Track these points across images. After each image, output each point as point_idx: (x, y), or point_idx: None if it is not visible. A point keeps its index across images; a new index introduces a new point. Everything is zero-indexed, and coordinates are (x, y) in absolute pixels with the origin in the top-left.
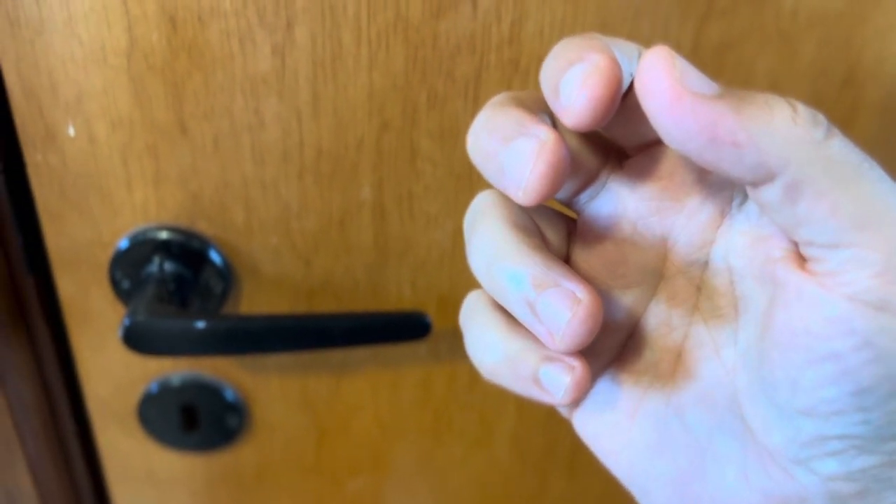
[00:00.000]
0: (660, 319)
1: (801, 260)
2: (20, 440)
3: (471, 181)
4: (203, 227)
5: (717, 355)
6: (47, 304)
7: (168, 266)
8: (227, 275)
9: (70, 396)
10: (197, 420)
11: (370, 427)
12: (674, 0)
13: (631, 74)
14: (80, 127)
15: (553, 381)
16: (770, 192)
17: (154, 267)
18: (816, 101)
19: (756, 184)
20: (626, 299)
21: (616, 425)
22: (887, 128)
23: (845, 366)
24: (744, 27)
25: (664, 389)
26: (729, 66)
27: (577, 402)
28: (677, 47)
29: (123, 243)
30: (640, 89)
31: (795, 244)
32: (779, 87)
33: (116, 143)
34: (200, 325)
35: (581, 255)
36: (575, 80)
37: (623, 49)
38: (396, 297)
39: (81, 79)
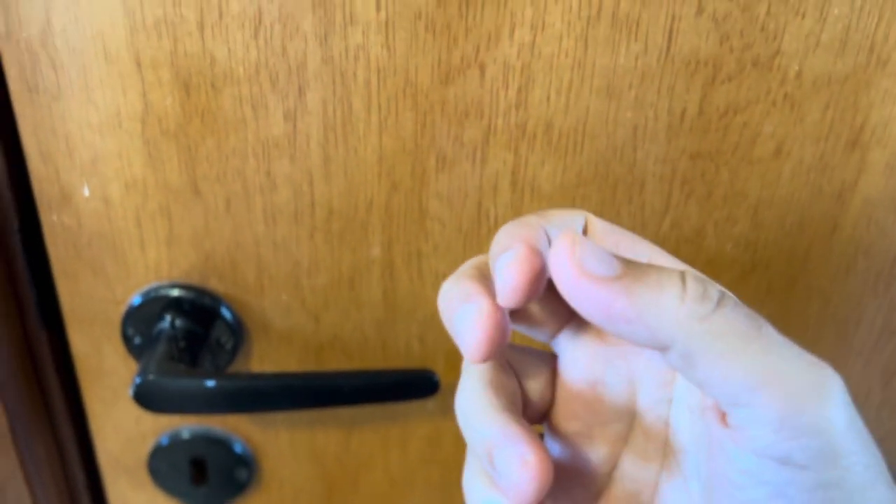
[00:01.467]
0: (631, 474)
1: (722, 413)
2: (31, 493)
3: (479, 239)
4: (215, 284)
5: (687, 489)
6: (60, 358)
7: (179, 323)
8: (237, 331)
9: (81, 449)
10: (206, 473)
11: (379, 481)
12: (680, 65)
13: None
14: (95, 188)
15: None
16: (670, 359)
17: (166, 323)
18: (822, 162)
19: (658, 350)
20: (603, 447)
21: None
22: (892, 187)
23: None
24: (750, 91)
25: None
26: (735, 129)
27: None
28: (682, 113)
29: (136, 300)
30: (551, 272)
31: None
32: (785, 148)
33: (130, 204)
34: (210, 384)
35: (563, 395)
36: (501, 267)
37: (564, 222)
38: (405, 352)
39: (97, 142)
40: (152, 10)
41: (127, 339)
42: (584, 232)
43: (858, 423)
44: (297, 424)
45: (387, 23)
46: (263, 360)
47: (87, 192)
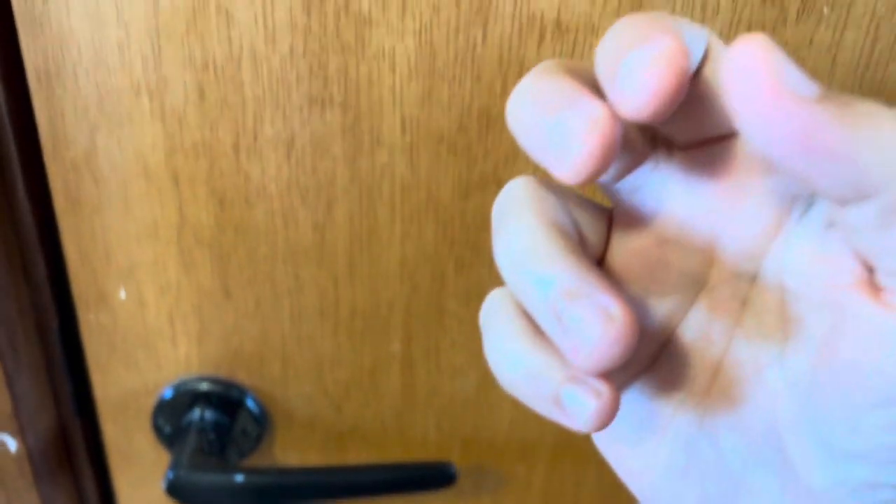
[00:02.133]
0: (698, 331)
1: (875, 289)
2: None
3: None
4: (241, 377)
5: (758, 378)
6: (92, 445)
7: (208, 415)
8: (262, 420)
9: None
10: None
11: None
12: None
13: (697, 61)
14: (131, 291)
15: (577, 406)
16: (860, 213)
17: (195, 415)
18: None
19: (846, 202)
20: (664, 306)
21: (642, 443)
22: None
23: None
24: None
25: (697, 409)
26: None
27: (600, 429)
28: None
29: (167, 393)
30: (729, 81)
31: (870, 270)
32: None
33: (164, 305)
34: (239, 479)
35: (618, 252)
36: (639, 65)
37: (691, 30)
38: (422, 439)
39: (134, 250)
40: (191, 133)
41: (157, 429)
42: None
43: None
44: None
45: (411, 145)
46: (287, 447)
47: (123, 295)
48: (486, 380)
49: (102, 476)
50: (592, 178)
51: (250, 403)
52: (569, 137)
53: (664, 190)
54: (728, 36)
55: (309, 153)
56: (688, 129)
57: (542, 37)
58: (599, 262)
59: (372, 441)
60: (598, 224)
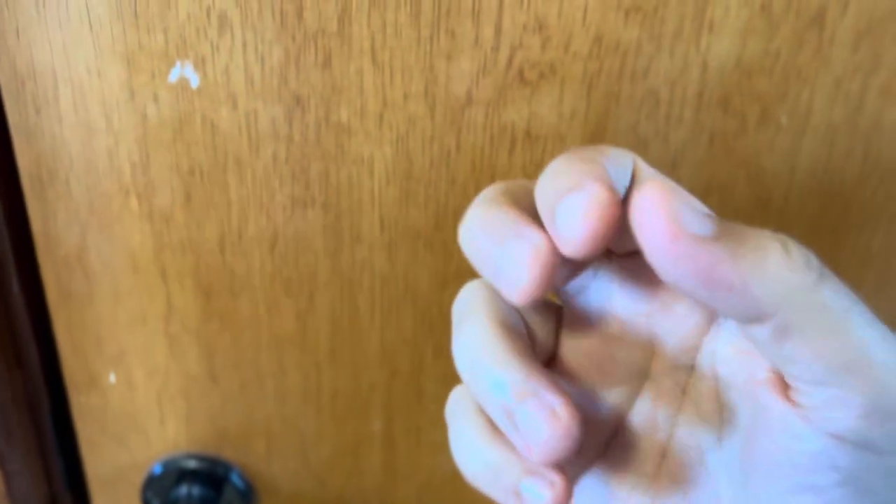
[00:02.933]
0: (645, 419)
1: (785, 386)
2: None
3: None
4: (228, 454)
5: (701, 461)
6: None
7: (195, 490)
8: (248, 495)
9: None
10: None
11: None
12: None
13: (624, 187)
14: (121, 375)
15: (533, 496)
16: (759, 331)
17: (183, 490)
18: None
19: (746, 323)
20: (612, 396)
21: None
22: None
23: (827, 499)
24: None
25: (649, 491)
26: None
27: None
28: None
29: (156, 469)
30: (635, 224)
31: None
32: None
33: (153, 388)
34: None
35: (568, 348)
36: (573, 210)
37: (618, 160)
38: None
39: (123, 338)
40: (178, 232)
41: (146, 503)
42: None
43: None
44: None
45: (390, 242)
46: None
47: (113, 379)
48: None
49: None
50: (537, 299)
51: (236, 479)
52: (514, 265)
53: (605, 292)
54: (692, 144)
55: (292, 249)
56: (621, 243)
57: (513, 145)
58: (551, 357)
59: None
60: (548, 323)
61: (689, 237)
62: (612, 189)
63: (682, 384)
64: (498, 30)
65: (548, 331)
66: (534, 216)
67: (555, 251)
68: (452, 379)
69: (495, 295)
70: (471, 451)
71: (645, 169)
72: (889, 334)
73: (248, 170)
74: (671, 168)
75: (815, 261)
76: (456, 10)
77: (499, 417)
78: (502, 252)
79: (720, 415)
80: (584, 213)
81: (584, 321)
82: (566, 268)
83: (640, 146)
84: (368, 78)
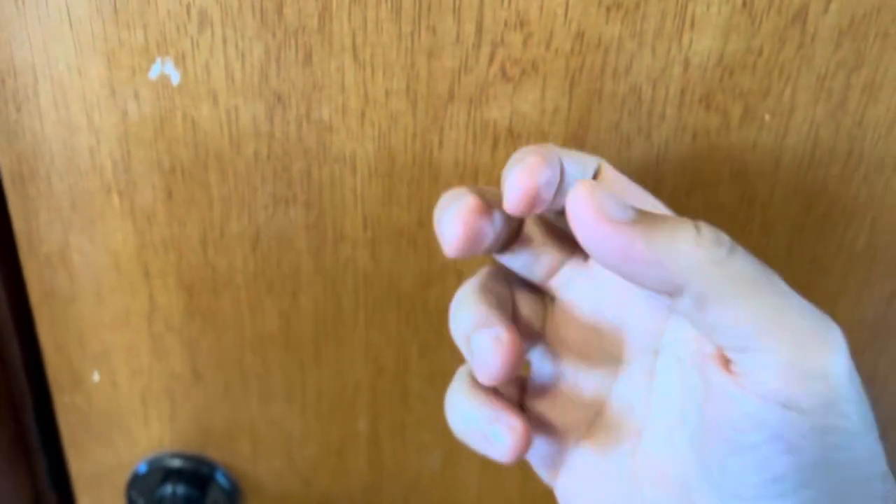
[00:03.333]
0: (622, 400)
1: (726, 360)
2: None
3: None
4: (212, 453)
5: (670, 439)
6: None
7: (180, 489)
8: (233, 495)
9: None
10: None
11: None
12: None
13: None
14: (105, 375)
15: (497, 439)
16: (682, 303)
17: (167, 490)
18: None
19: (669, 295)
20: (593, 380)
21: (588, 495)
22: None
23: (762, 455)
24: None
25: (627, 465)
26: None
27: (517, 458)
28: None
29: (141, 468)
30: (568, 215)
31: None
32: None
33: (136, 387)
34: None
35: (553, 333)
36: (512, 171)
37: (579, 160)
38: None
39: (107, 337)
40: (160, 230)
41: (131, 502)
42: (595, 177)
43: (856, 374)
44: None
45: (373, 240)
46: None
47: (96, 378)
48: (453, 456)
49: None
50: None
51: (221, 479)
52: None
53: (582, 285)
54: (675, 141)
55: (274, 247)
56: None
57: (495, 143)
58: (538, 337)
59: None
60: (537, 307)
61: (608, 222)
62: (547, 160)
63: (650, 368)
64: (479, 26)
65: (535, 313)
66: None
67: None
68: (438, 377)
69: (492, 272)
70: (455, 405)
71: (608, 171)
72: (805, 303)
73: (230, 167)
74: (655, 165)
75: (725, 238)
76: (437, 6)
77: (464, 350)
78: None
79: (683, 394)
80: (520, 174)
81: (566, 310)
82: (549, 262)
83: (622, 143)
84: (349, 75)
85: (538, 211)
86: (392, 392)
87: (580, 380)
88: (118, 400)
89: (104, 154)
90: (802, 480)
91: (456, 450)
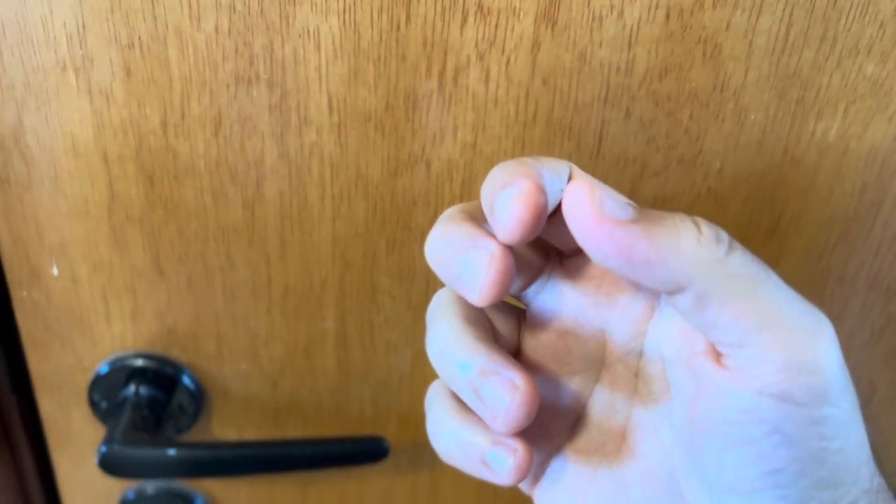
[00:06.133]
0: (604, 403)
1: (718, 354)
2: None
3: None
4: (177, 354)
5: (656, 435)
6: (29, 422)
7: (143, 390)
8: (199, 396)
9: None
10: None
11: None
12: (611, 163)
13: (561, 190)
14: (64, 268)
15: (498, 463)
16: (681, 301)
17: (130, 391)
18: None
19: (669, 294)
20: (573, 385)
21: (571, 501)
22: (809, 269)
23: (759, 449)
24: (676, 185)
25: (611, 468)
26: None
27: (519, 480)
28: None
29: (102, 369)
30: (566, 215)
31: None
32: None
33: (97, 282)
34: (171, 453)
35: (530, 344)
36: (505, 202)
37: (554, 168)
38: (358, 415)
39: (65, 228)
40: (118, 111)
41: (94, 405)
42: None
43: (845, 367)
44: (255, 482)
45: (339, 124)
46: (224, 423)
47: (55, 272)
48: (421, 356)
49: (41, 454)
50: (497, 299)
51: (186, 380)
52: (474, 271)
53: (559, 292)
54: (647, 19)
55: (237, 131)
56: (565, 241)
57: (465, 18)
58: (515, 353)
59: (309, 417)
60: (510, 321)
61: (611, 221)
62: (538, 183)
63: (634, 369)
64: None
65: (511, 329)
66: (489, 230)
67: (508, 255)
68: (406, 274)
69: (462, 299)
70: (444, 431)
71: (580, 174)
72: (798, 297)
73: (190, 43)
74: (627, 47)
75: (724, 236)
76: None
77: (467, 396)
78: (463, 260)
79: (669, 392)
80: (513, 202)
81: (542, 319)
82: (524, 273)
83: (595, 22)
84: None
85: (533, 237)
86: (360, 289)
87: (560, 387)
88: (78, 295)
89: (58, 26)
90: (799, 471)
91: (425, 351)
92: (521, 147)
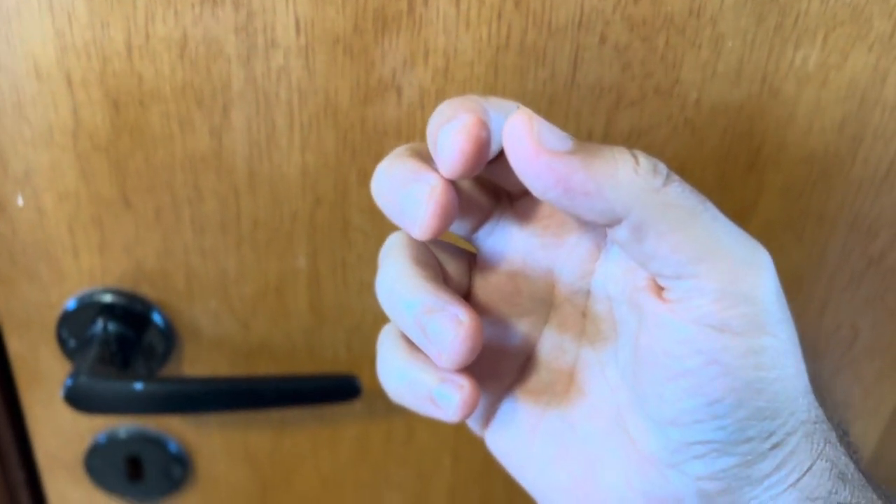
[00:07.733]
0: (553, 344)
1: (659, 289)
2: None
3: None
4: (146, 290)
5: (602, 374)
6: None
7: (112, 327)
8: (169, 336)
9: (20, 448)
10: (142, 471)
11: (311, 481)
12: (586, 92)
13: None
14: (29, 199)
15: (445, 399)
16: (620, 233)
17: (99, 328)
18: (722, 184)
19: (607, 225)
20: (522, 326)
21: (521, 441)
22: (789, 208)
23: (697, 380)
24: (652, 117)
25: (560, 407)
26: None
27: (466, 416)
28: (589, 135)
29: (70, 305)
30: (505, 147)
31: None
32: (686, 170)
33: (63, 214)
34: (138, 387)
35: (480, 286)
36: (447, 135)
37: (500, 107)
38: (332, 358)
39: (30, 156)
40: (81, 32)
41: (62, 342)
42: None
43: (782, 297)
44: (229, 425)
45: (307, 47)
46: (195, 364)
47: (20, 202)
48: None
49: (11, 395)
50: (439, 232)
51: (156, 318)
52: (415, 203)
53: (508, 234)
54: None
55: (202, 54)
56: (515, 183)
57: None
58: (466, 295)
59: (281, 359)
60: (461, 264)
61: (548, 152)
62: (480, 118)
63: (582, 308)
64: None
65: (461, 272)
66: (432, 164)
67: (449, 188)
68: (378, 209)
69: (412, 240)
70: (392, 371)
71: (524, 110)
72: (736, 228)
73: None
74: None
75: (662, 167)
76: None
77: (414, 334)
78: (405, 194)
79: (616, 331)
80: (454, 135)
81: (492, 261)
82: (474, 215)
83: None
84: None
85: (476, 174)
86: (331, 225)
87: (509, 329)
88: (44, 227)
89: None
90: (737, 401)
91: None
92: (494, 74)
